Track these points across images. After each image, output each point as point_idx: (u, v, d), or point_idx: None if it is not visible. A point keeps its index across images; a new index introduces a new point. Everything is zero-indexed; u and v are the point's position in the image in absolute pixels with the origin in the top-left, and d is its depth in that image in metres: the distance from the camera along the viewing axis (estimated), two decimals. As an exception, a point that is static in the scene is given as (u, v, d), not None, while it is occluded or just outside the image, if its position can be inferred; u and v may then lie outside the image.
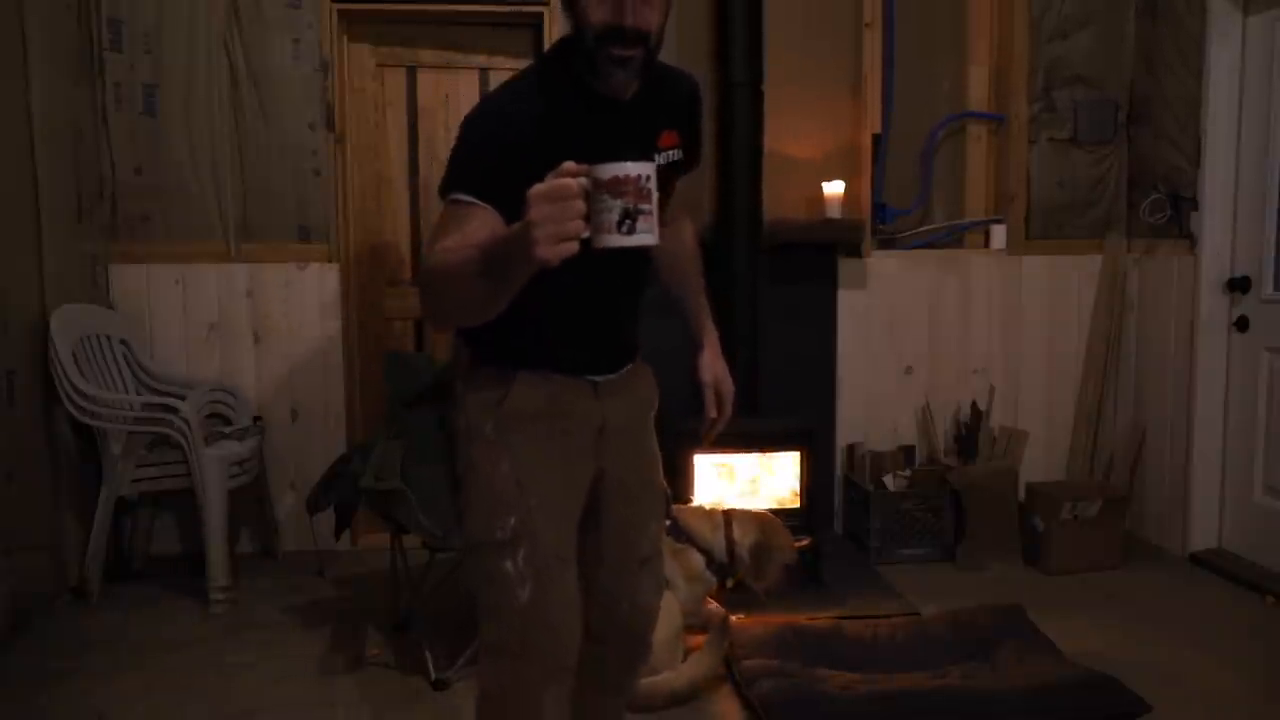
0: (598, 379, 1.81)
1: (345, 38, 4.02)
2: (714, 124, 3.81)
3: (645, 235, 1.35)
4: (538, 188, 1.34)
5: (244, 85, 3.87)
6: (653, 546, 1.95)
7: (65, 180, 3.57)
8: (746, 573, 3.03)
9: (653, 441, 1.99)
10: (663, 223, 1.49)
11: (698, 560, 2.99)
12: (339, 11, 3.91)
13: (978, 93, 4.33)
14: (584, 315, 1.76)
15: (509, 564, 1.70)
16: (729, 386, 2.04)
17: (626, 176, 1.33)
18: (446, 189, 1.61)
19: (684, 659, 2.86)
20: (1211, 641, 3.17)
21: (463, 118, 1.68)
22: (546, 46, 3.94)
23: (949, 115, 4.31)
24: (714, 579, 3.02)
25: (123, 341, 3.75)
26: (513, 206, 1.41)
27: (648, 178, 1.35)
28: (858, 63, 4.15)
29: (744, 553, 3.02)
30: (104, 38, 3.79)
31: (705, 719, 2.72)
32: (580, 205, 1.33)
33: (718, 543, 3.03)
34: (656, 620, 2.01)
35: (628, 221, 1.34)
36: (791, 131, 4.10)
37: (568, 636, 1.73)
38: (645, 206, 1.35)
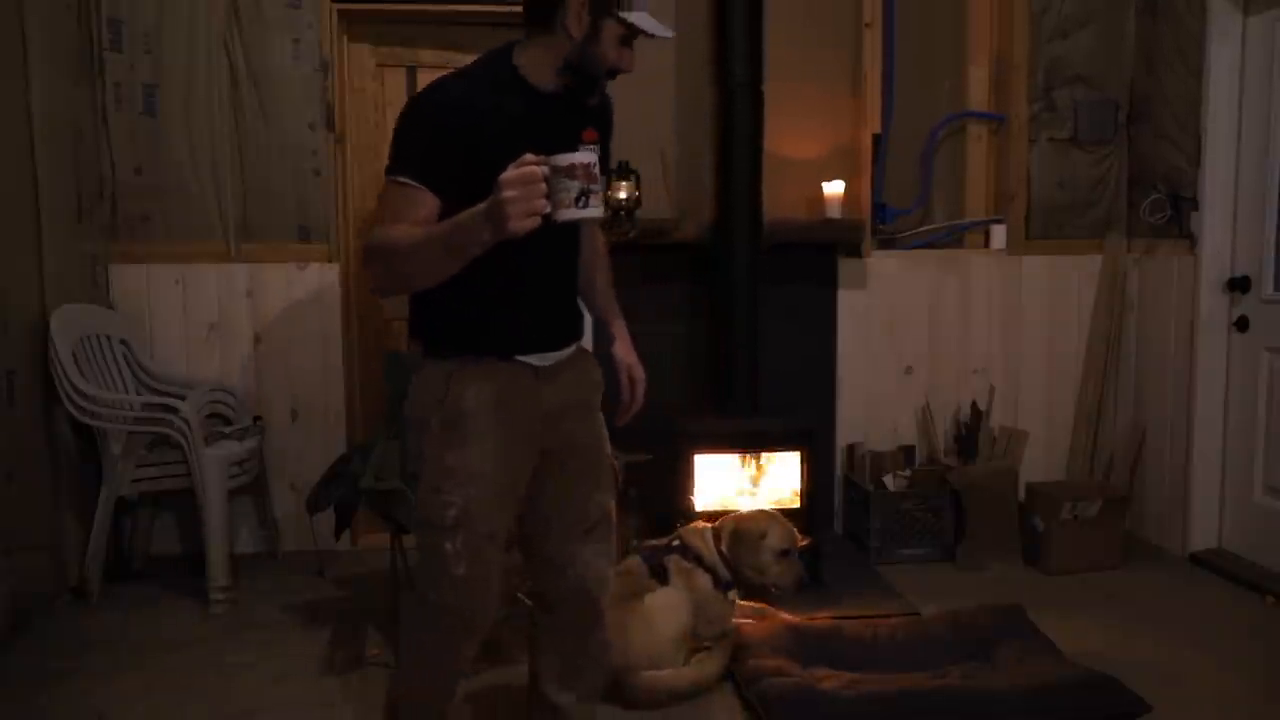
0: (539, 363, 2.01)
1: (345, 38, 4.02)
2: (714, 124, 3.81)
3: (595, 209, 1.68)
4: (508, 174, 1.62)
5: (244, 85, 3.87)
6: (598, 516, 2.13)
7: (65, 180, 3.57)
8: (745, 574, 3.01)
9: (597, 420, 2.17)
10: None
11: (705, 580, 2.99)
12: (339, 11, 3.92)
13: (978, 93, 4.33)
14: (526, 295, 1.97)
15: (449, 544, 1.95)
16: (640, 373, 2.25)
17: (581, 163, 1.65)
18: (393, 169, 1.85)
19: (688, 660, 2.87)
20: (1211, 641, 3.17)
21: (407, 103, 1.92)
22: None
23: (949, 115, 4.31)
24: (726, 597, 3.01)
25: (123, 341, 3.75)
26: (456, 191, 1.77)
27: (594, 165, 1.67)
28: (858, 63, 4.15)
29: (730, 555, 3.00)
30: (104, 38, 3.79)
31: (705, 719, 2.72)
32: (544, 187, 1.63)
33: (716, 560, 3.01)
34: (608, 588, 2.18)
35: (583, 198, 1.65)
36: (791, 131, 4.10)
37: (490, 603, 2.03)
38: (594, 186, 1.67)
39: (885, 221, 4.23)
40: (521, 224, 1.63)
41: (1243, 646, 3.15)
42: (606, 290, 2.28)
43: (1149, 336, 4.19)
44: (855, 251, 4.17)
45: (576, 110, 2.00)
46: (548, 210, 1.64)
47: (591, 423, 2.15)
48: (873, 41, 4.13)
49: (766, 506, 3.68)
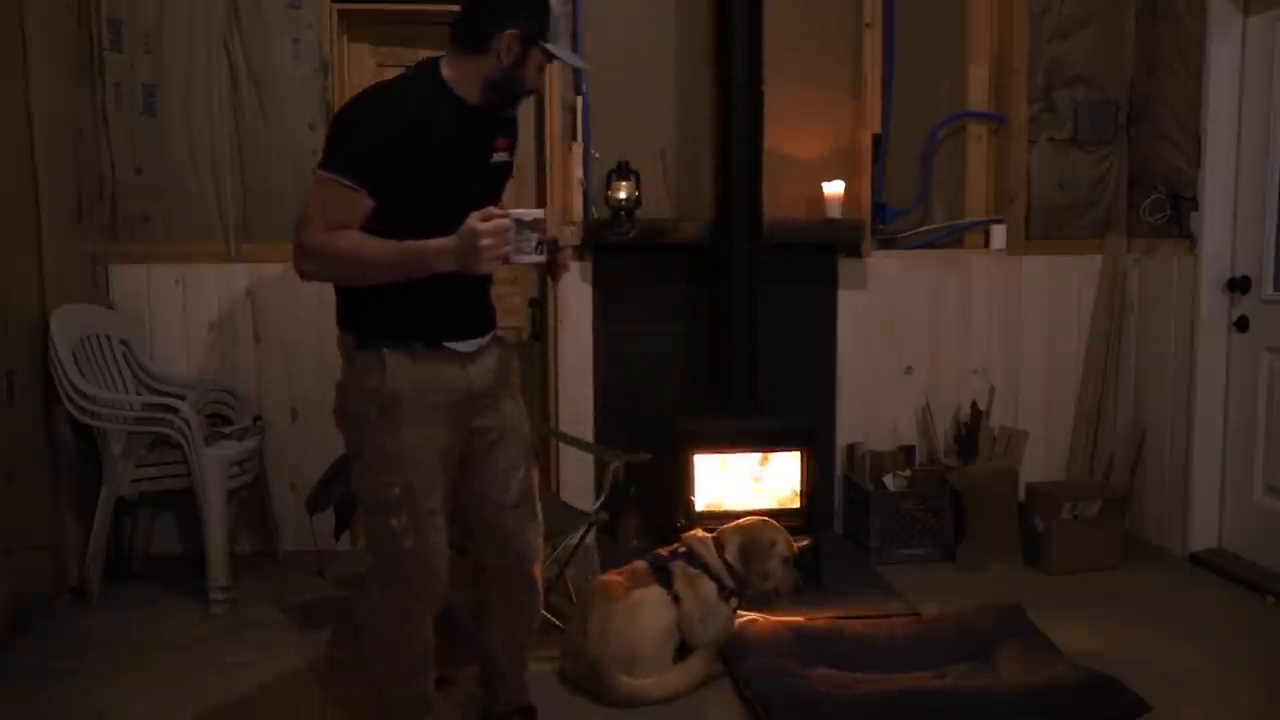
0: (464, 349, 2.21)
1: (345, 38, 4.02)
2: (714, 124, 3.81)
3: (543, 254, 2.04)
4: (485, 225, 1.94)
5: (244, 85, 3.87)
6: (522, 489, 2.35)
7: (65, 180, 3.57)
8: (753, 581, 3.03)
9: (518, 401, 2.38)
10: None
11: (710, 588, 3.00)
12: (339, 11, 3.91)
13: (978, 93, 4.33)
14: (449, 288, 2.11)
15: (395, 521, 2.16)
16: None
17: (540, 219, 2.02)
18: (335, 168, 2.03)
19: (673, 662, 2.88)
20: (1211, 641, 3.17)
21: (347, 106, 2.12)
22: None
23: (949, 115, 4.31)
24: (727, 605, 3.02)
25: (123, 341, 3.75)
26: (389, 193, 2.03)
27: (545, 218, 2.05)
28: (858, 63, 4.15)
29: (738, 563, 3.01)
30: (104, 38, 3.79)
31: (705, 719, 2.72)
32: (510, 236, 1.97)
33: (721, 568, 3.03)
34: (537, 555, 2.41)
35: (540, 247, 2.02)
36: (791, 131, 4.11)
37: (439, 572, 2.22)
38: (545, 235, 2.04)
39: (885, 221, 4.23)
40: (490, 266, 1.99)
41: (1243, 646, 3.15)
42: None
43: (1149, 336, 4.19)
44: (855, 251, 4.17)
45: (494, 122, 2.22)
46: (509, 255, 1.99)
47: (514, 403, 2.36)
48: (873, 41, 4.13)
49: (766, 507, 3.71)
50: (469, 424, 2.25)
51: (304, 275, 2.09)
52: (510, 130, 2.28)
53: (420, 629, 2.25)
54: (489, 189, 2.24)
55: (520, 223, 1.98)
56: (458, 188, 2.11)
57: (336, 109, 2.19)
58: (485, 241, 1.94)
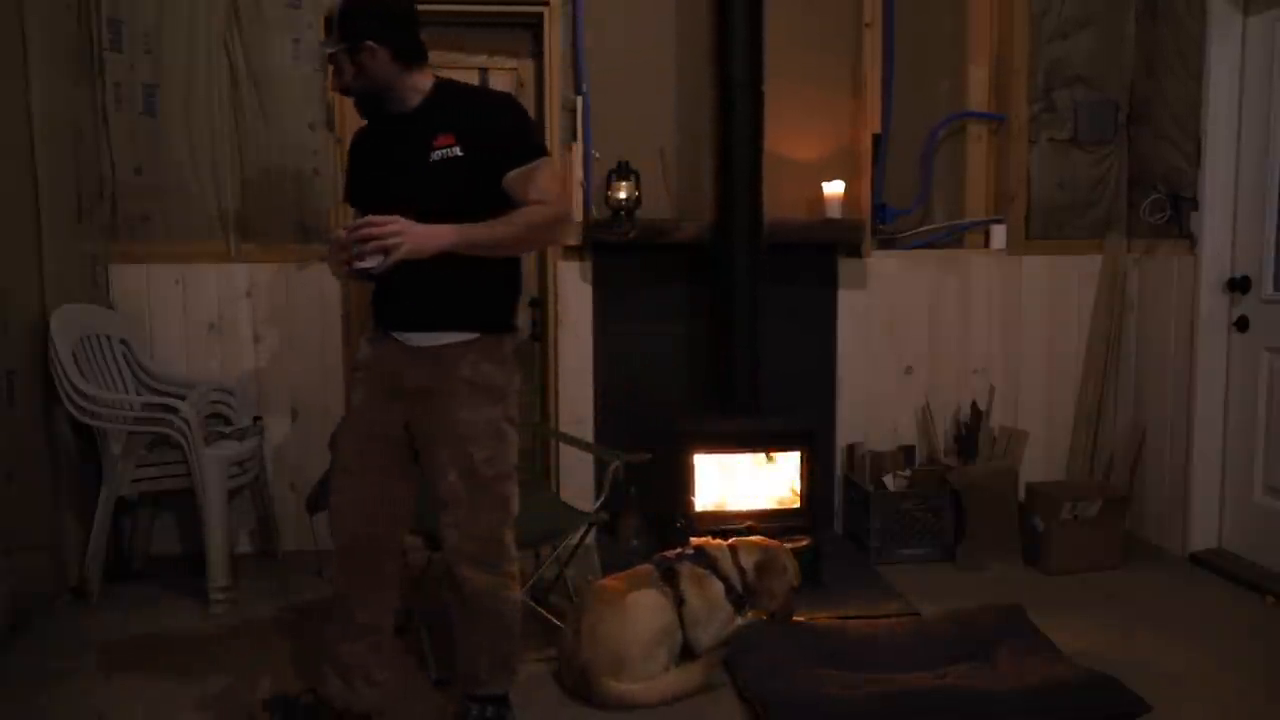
0: (406, 341, 2.40)
1: (345, 38, 4.02)
2: (714, 124, 3.81)
3: (376, 263, 2.20)
4: (333, 236, 2.35)
5: (244, 85, 3.87)
6: (449, 495, 2.40)
7: (65, 180, 3.57)
8: (758, 597, 3.06)
9: (461, 409, 2.38)
10: (466, 209, 2.28)
11: (718, 588, 3.01)
12: (339, 11, 3.91)
13: (978, 93, 4.33)
14: (400, 284, 2.32)
15: (334, 477, 2.49)
16: (386, 223, 2.23)
17: (366, 229, 2.22)
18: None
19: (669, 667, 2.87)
20: (1211, 641, 3.17)
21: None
22: (546, 46, 3.96)
23: (949, 115, 4.31)
24: (732, 609, 3.03)
25: (123, 341, 3.75)
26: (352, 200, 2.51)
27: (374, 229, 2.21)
28: (858, 63, 4.15)
29: (752, 574, 3.05)
30: (104, 38, 3.79)
31: (705, 719, 2.72)
32: (339, 248, 2.30)
33: (734, 572, 3.06)
34: (468, 559, 2.42)
35: (374, 256, 2.21)
36: (791, 132, 4.11)
37: (351, 527, 2.45)
38: (381, 245, 2.20)
39: (885, 221, 4.23)
40: (337, 273, 2.41)
41: (1243, 646, 3.15)
42: (492, 223, 2.32)
43: (1149, 336, 4.19)
44: (855, 251, 4.18)
45: (430, 121, 2.37)
46: (353, 263, 2.24)
47: (455, 409, 2.38)
48: (873, 42, 4.13)
49: (766, 507, 3.72)
50: (406, 416, 2.42)
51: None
52: (463, 126, 2.34)
53: (340, 581, 2.54)
54: (425, 185, 2.35)
55: (352, 232, 2.21)
56: (374, 190, 2.44)
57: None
58: (338, 255, 2.26)
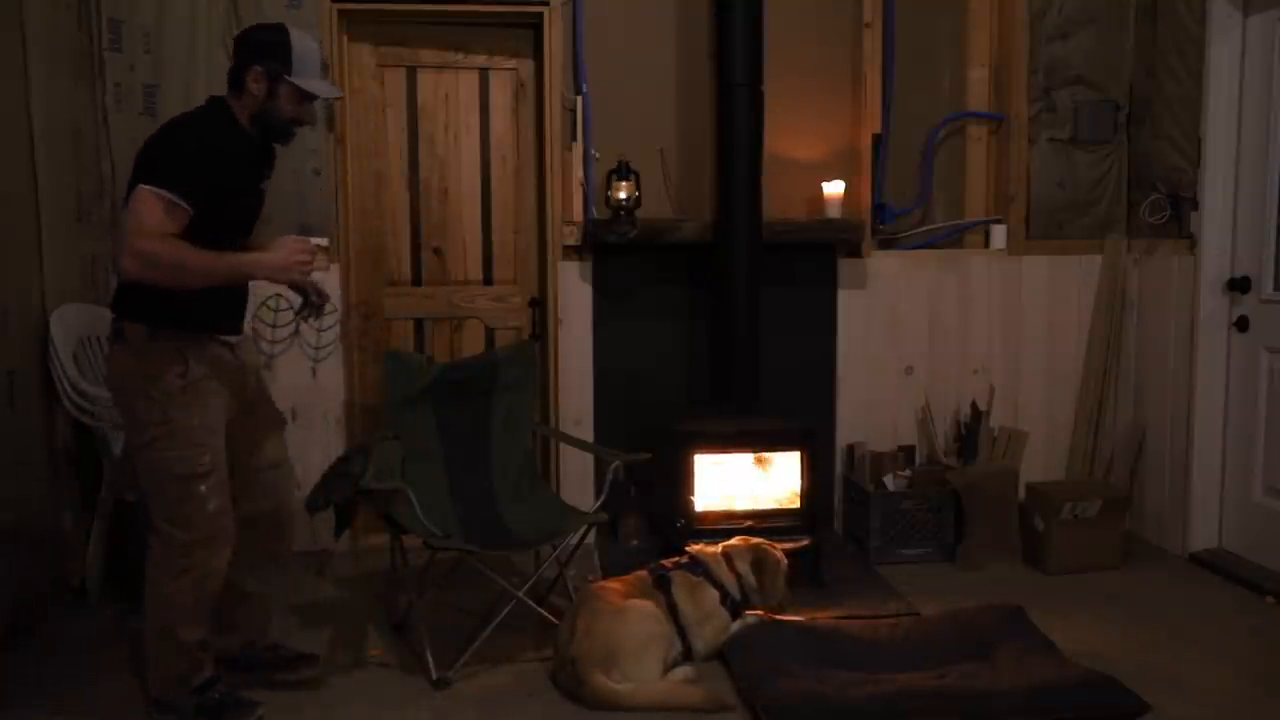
0: (233, 340, 2.69)
1: (345, 38, 4.02)
2: (714, 124, 3.81)
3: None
4: (302, 246, 2.57)
5: (244, 85, 3.86)
6: (275, 453, 2.83)
7: (65, 180, 3.57)
8: (764, 593, 3.11)
9: (265, 381, 2.92)
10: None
11: (713, 596, 3.03)
12: (339, 11, 3.91)
13: (978, 93, 4.33)
14: (225, 291, 2.61)
15: (203, 486, 2.54)
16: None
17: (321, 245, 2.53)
18: (166, 185, 2.40)
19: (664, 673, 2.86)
20: (1211, 641, 3.17)
21: (172, 131, 2.55)
22: (546, 46, 3.96)
23: (949, 115, 4.31)
24: (728, 615, 3.05)
25: (123, 341, 3.74)
26: (201, 207, 2.45)
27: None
28: (858, 63, 4.16)
29: (751, 576, 3.08)
30: (104, 38, 3.79)
31: (705, 719, 2.72)
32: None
33: (729, 578, 3.08)
34: (288, 511, 2.88)
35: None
36: (791, 131, 4.11)
37: (232, 526, 2.63)
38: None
39: (885, 221, 4.23)
40: (301, 277, 2.64)
41: (1243, 646, 3.15)
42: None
43: (1149, 336, 4.19)
44: (855, 251, 4.18)
45: (265, 151, 2.72)
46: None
47: (263, 384, 2.87)
48: (872, 41, 4.13)
49: (766, 507, 3.72)
50: (236, 399, 2.68)
51: (135, 278, 2.42)
52: (270, 163, 2.76)
53: (220, 578, 2.61)
54: (258, 207, 2.74)
55: (320, 246, 2.55)
56: (242, 204, 2.65)
57: (155, 134, 2.57)
58: (299, 257, 2.54)
